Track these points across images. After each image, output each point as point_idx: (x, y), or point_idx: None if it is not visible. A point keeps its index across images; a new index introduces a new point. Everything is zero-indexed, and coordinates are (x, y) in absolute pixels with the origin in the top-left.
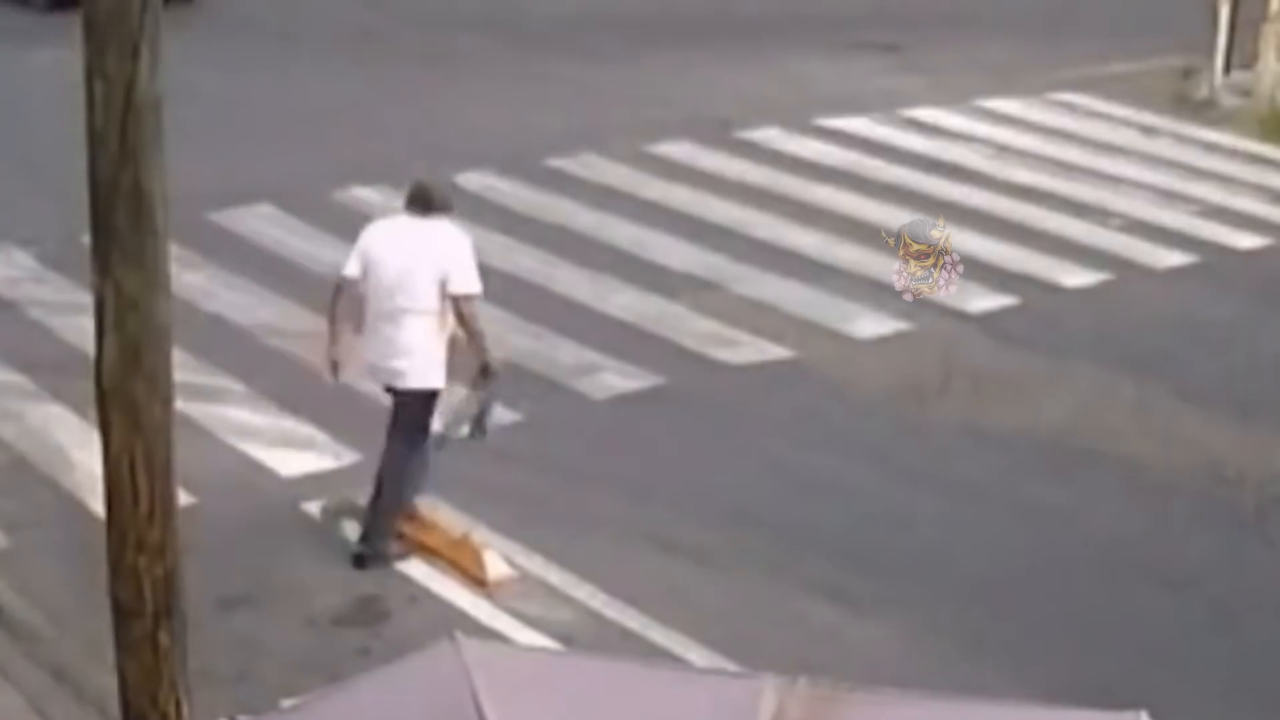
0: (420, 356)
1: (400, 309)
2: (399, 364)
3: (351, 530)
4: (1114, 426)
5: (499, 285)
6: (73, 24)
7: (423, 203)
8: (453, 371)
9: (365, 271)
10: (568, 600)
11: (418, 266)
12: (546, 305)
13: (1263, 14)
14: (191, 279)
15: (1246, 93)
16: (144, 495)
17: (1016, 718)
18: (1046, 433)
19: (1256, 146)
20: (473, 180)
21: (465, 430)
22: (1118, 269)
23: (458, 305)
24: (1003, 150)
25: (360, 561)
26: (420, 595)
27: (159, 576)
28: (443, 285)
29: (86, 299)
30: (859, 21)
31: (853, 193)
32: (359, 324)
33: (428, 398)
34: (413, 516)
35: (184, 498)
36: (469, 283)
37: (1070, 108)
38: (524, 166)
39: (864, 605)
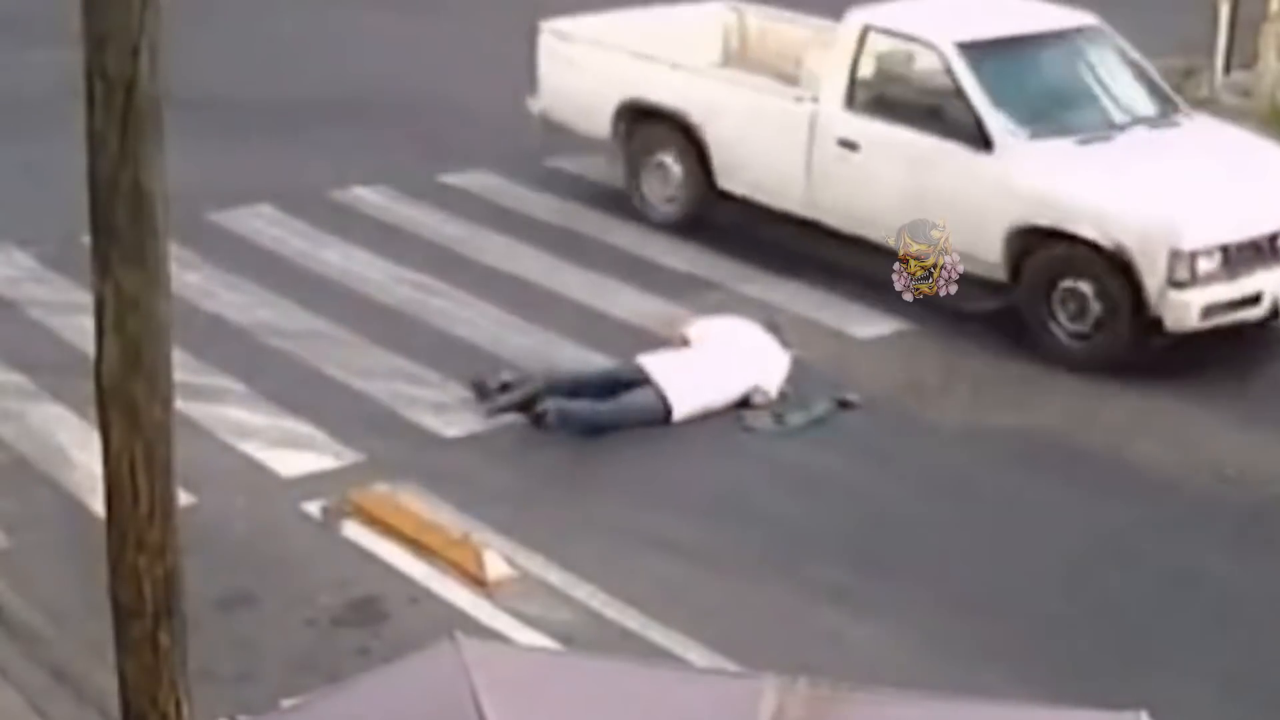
0: None
1: None
2: None
3: (352, 530)
4: (1114, 426)
5: (500, 285)
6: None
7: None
8: None
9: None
10: (568, 600)
11: None
12: (547, 305)
13: (1263, 14)
14: (191, 279)
15: (1246, 93)
16: (144, 495)
17: (1016, 718)
18: (1046, 433)
19: None
20: (474, 180)
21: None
22: None
23: None
24: None
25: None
26: (420, 595)
27: (159, 576)
28: None
29: (86, 299)
30: None
31: None
32: None
33: None
34: (414, 515)
35: (184, 498)
36: None
37: None
38: (525, 166)
39: (864, 605)
